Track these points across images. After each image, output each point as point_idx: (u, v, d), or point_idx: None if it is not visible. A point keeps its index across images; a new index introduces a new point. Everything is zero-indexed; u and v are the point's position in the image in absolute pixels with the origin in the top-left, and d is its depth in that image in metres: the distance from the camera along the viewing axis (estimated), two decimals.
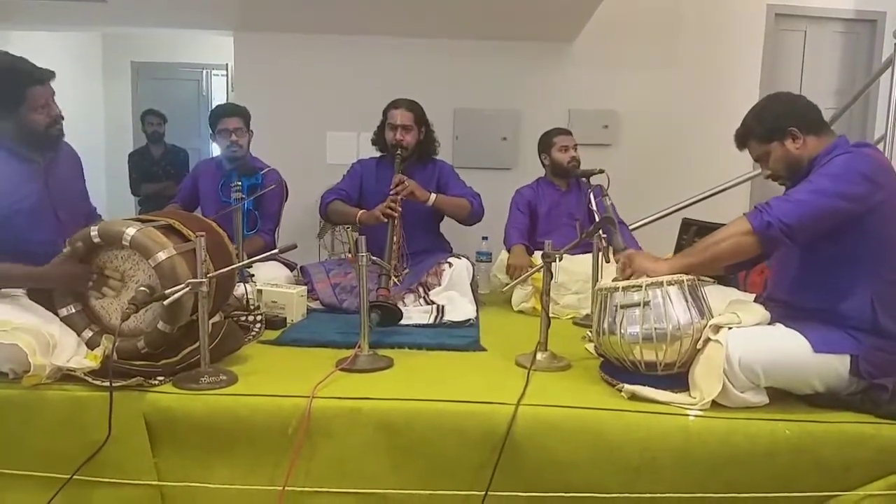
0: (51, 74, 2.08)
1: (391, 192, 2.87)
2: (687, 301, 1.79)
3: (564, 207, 3.35)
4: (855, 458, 1.66)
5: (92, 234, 1.86)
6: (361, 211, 2.99)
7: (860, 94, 3.93)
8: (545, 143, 3.42)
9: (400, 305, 2.57)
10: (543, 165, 3.46)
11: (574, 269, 2.86)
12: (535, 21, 4.07)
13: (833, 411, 1.73)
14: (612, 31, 4.43)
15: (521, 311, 2.93)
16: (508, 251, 3.19)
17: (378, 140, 3.21)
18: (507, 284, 2.82)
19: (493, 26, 4.21)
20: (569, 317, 2.83)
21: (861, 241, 1.79)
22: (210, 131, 3.20)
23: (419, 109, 3.12)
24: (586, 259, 2.73)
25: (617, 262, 2.04)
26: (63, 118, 2.13)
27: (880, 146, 3.21)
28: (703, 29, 4.59)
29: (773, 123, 1.92)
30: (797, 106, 1.95)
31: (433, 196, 3.00)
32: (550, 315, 2.76)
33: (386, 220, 2.82)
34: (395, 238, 2.80)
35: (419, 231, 3.08)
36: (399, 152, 3.03)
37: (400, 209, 2.84)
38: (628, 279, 1.91)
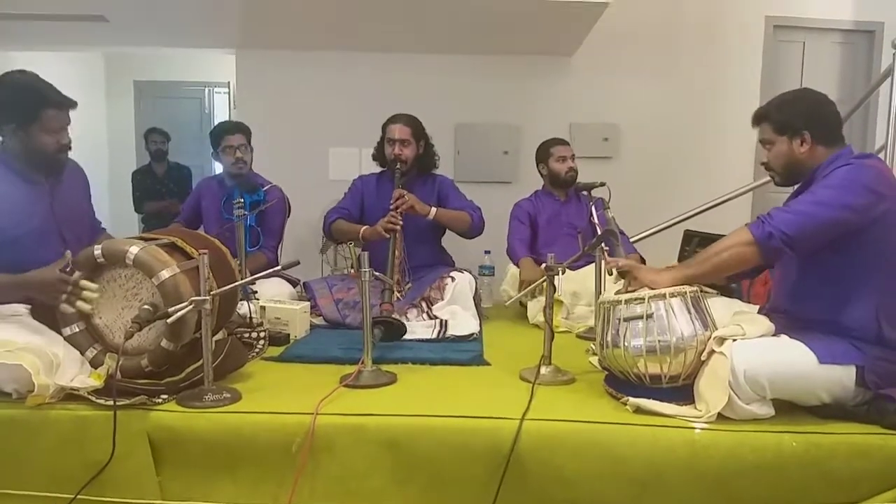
0: (71, 103, 2.10)
1: (391, 207, 2.88)
2: (690, 313, 1.78)
3: (564, 217, 3.36)
4: (862, 469, 1.64)
5: (95, 253, 1.86)
6: (364, 227, 3.00)
7: (860, 104, 3.94)
8: (543, 154, 3.43)
9: (403, 320, 2.57)
10: (541, 175, 3.47)
11: (587, 281, 2.83)
12: (535, 35, 4.09)
13: (840, 422, 1.71)
14: (611, 45, 4.45)
15: (536, 325, 2.87)
16: (517, 265, 3.19)
17: (378, 155, 3.23)
18: (509, 302, 2.82)
19: (493, 41, 4.23)
20: (581, 328, 2.83)
21: (864, 253, 1.78)
22: (212, 149, 3.22)
23: (417, 124, 3.13)
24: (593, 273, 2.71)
25: (616, 272, 2.03)
26: (71, 148, 2.15)
27: (880, 156, 3.21)
28: (702, 41, 4.61)
29: (791, 119, 1.90)
30: (822, 112, 1.92)
31: (433, 210, 3.01)
32: (563, 327, 2.79)
33: (388, 235, 2.83)
34: (396, 252, 2.81)
35: (421, 245, 3.08)
36: (398, 167, 3.04)
37: (401, 223, 2.85)
38: (629, 290, 1.91)
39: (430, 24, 3.94)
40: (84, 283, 1.88)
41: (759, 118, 1.99)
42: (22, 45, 4.72)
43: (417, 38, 4.21)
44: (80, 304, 1.88)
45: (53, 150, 2.08)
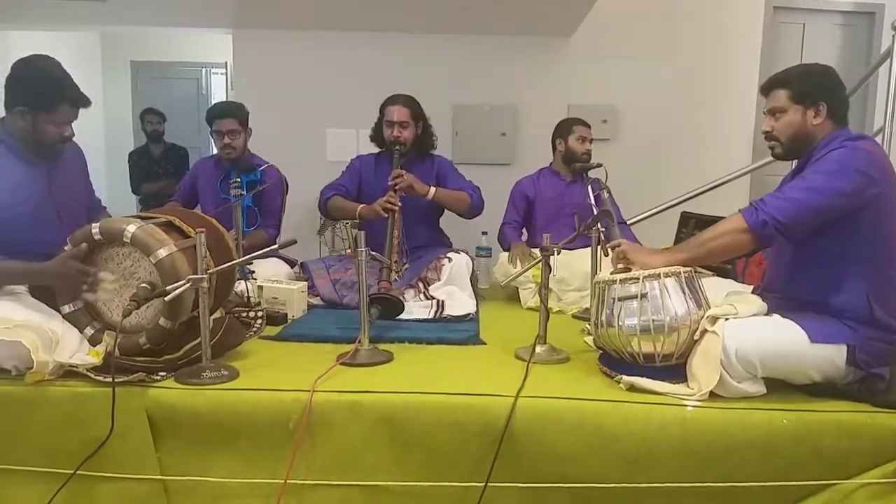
0: (86, 102, 2.12)
1: (390, 186, 2.88)
2: (684, 293, 1.80)
3: (568, 198, 3.30)
4: (852, 446, 1.67)
5: (93, 231, 1.87)
6: (361, 205, 2.99)
7: (859, 86, 3.93)
8: (564, 129, 3.39)
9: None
10: (554, 151, 3.43)
11: (574, 265, 2.83)
12: (534, 16, 4.07)
13: (830, 401, 1.74)
14: (610, 26, 4.43)
15: (531, 309, 2.85)
16: (506, 249, 3.20)
17: (376, 137, 3.22)
18: (505, 282, 2.83)
19: (492, 22, 4.21)
20: (575, 310, 2.82)
21: (856, 236, 1.80)
22: (209, 128, 3.22)
23: (416, 105, 3.13)
24: (587, 255, 2.69)
25: (611, 252, 2.05)
26: (71, 139, 2.16)
27: (878, 138, 3.22)
28: (701, 23, 4.58)
29: (813, 89, 1.90)
30: (839, 91, 1.93)
31: (432, 189, 3.01)
32: (555, 310, 2.79)
33: (386, 214, 2.83)
34: (394, 233, 2.81)
35: (419, 226, 3.09)
36: (398, 148, 3.04)
37: (399, 203, 2.85)
38: (622, 271, 1.92)
39: (428, 3, 3.91)
40: (102, 274, 1.92)
41: (774, 84, 1.96)
42: (18, 24, 4.69)
43: (415, 18, 4.18)
44: (100, 294, 1.93)
45: (54, 140, 2.10)
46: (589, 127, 3.41)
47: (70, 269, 1.89)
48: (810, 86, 1.90)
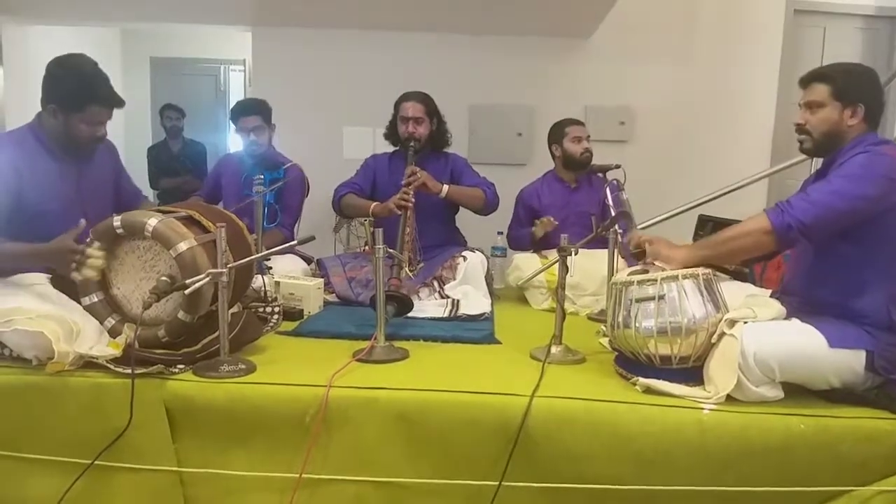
0: (119, 102, 2.15)
1: (403, 184, 2.89)
2: (702, 295, 1.79)
3: (574, 206, 3.24)
4: (870, 453, 1.66)
5: (115, 224, 1.89)
6: (375, 203, 3.00)
7: None
8: (556, 134, 3.32)
9: (415, 299, 2.58)
10: (554, 158, 3.38)
11: (591, 268, 2.77)
12: (553, 17, 4.06)
13: (848, 407, 1.72)
14: (629, 28, 4.41)
15: (544, 311, 2.85)
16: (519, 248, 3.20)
17: (390, 134, 3.23)
18: (521, 281, 2.83)
19: (510, 22, 4.21)
20: (590, 311, 2.81)
21: (878, 240, 1.79)
22: (232, 125, 3.24)
23: (430, 101, 3.13)
24: (603, 259, 2.61)
25: (630, 246, 2.04)
26: (104, 140, 2.20)
27: None
28: (721, 25, 4.55)
29: (855, 88, 1.87)
30: (879, 95, 1.91)
31: (445, 188, 3.00)
32: (569, 311, 2.77)
33: (399, 211, 2.84)
34: (407, 229, 2.81)
35: (434, 224, 3.08)
36: (412, 144, 3.04)
37: (413, 201, 2.86)
38: (642, 261, 1.92)
39: (446, 3, 3.92)
40: (90, 251, 1.89)
41: (815, 78, 1.93)
42: (39, 20, 4.74)
43: (433, 18, 4.19)
44: (85, 270, 1.89)
45: (87, 140, 2.13)
46: (582, 125, 3.34)
47: (60, 247, 1.88)
48: (852, 85, 1.88)
